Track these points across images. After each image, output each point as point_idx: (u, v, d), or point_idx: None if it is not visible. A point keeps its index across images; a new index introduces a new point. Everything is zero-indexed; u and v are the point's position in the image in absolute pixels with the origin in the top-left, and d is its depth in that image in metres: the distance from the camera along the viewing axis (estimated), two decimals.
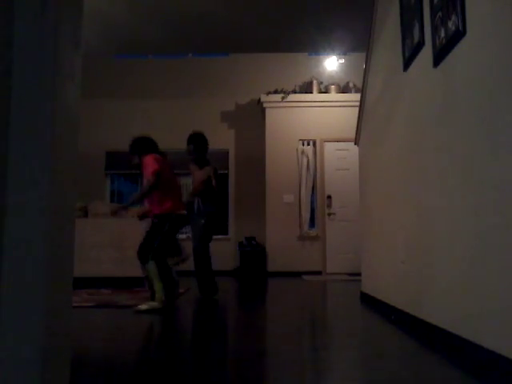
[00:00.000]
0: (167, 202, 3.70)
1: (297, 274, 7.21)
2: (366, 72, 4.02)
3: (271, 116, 7.82)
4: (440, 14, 2.15)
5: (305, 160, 7.67)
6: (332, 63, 8.35)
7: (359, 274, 4.30)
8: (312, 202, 7.69)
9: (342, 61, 8.31)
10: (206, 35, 7.58)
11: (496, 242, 1.66)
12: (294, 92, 7.90)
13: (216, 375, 1.76)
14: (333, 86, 7.89)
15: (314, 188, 7.68)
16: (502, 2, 1.64)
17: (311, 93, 7.86)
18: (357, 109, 4.38)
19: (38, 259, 1.06)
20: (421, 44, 2.45)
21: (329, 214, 7.54)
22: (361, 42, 6.17)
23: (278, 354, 2.14)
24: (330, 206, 7.56)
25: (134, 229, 5.21)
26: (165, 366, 1.87)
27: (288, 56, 8.31)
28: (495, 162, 1.67)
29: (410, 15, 2.66)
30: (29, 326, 1.05)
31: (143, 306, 3.36)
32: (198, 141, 4.79)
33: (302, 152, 7.70)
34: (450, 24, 2.02)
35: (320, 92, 7.90)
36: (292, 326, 2.92)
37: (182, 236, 8.11)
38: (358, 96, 4.94)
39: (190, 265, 7.90)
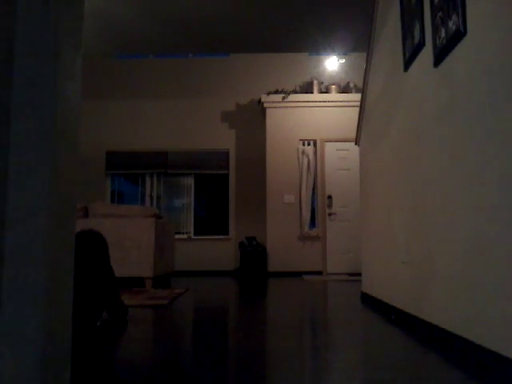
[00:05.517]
0: None
1: (297, 274, 7.22)
2: (366, 72, 4.02)
3: (272, 116, 7.82)
4: (440, 14, 2.15)
5: (305, 160, 7.67)
6: (332, 63, 8.36)
7: (360, 274, 4.30)
8: (312, 202, 7.70)
9: (343, 61, 8.32)
10: (206, 35, 7.59)
11: (497, 241, 1.66)
12: (295, 92, 7.91)
13: (215, 374, 1.76)
14: (333, 86, 7.89)
15: (314, 188, 7.69)
16: (502, 1, 1.64)
17: (312, 93, 7.87)
18: (357, 109, 4.38)
19: (38, 259, 1.06)
20: (421, 44, 2.45)
21: (329, 214, 7.54)
22: (361, 42, 6.18)
23: (278, 354, 2.14)
24: (330, 206, 7.56)
25: (134, 229, 5.21)
26: (166, 364, 1.87)
27: (288, 56, 8.31)
28: (496, 161, 1.67)
29: (410, 15, 2.66)
30: (29, 326, 1.05)
31: None
32: None
33: (303, 152, 7.70)
34: (451, 24, 2.02)
35: (320, 92, 7.91)
36: (292, 326, 2.92)
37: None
38: (358, 96, 4.95)
39: (190, 264, 7.90)
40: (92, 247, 2.80)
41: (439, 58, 2.20)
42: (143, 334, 2.72)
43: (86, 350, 2.20)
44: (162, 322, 3.14)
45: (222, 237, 8.29)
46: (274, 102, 7.82)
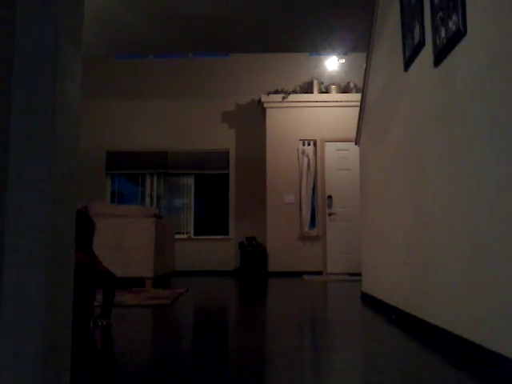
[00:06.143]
0: None
1: (297, 274, 7.22)
2: (366, 72, 4.01)
3: (272, 116, 7.83)
4: (440, 13, 2.15)
5: (305, 160, 7.67)
6: (332, 63, 8.36)
7: (360, 274, 4.30)
8: (312, 202, 7.70)
9: (343, 61, 8.32)
10: (206, 35, 7.59)
11: (497, 241, 1.66)
12: (295, 92, 7.91)
13: (215, 374, 1.76)
14: (333, 86, 7.89)
15: (314, 188, 7.69)
16: (502, 1, 1.64)
17: (312, 93, 7.87)
18: (357, 109, 4.38)
19: (38, 259, 1.06)
20: (421, 44, 2.45)
21: (329, 214, 7.54)
22: (361, 42, 6.18)
23: (278, 354, 2.14)
24: (330, 206, 7.56)
25: (134, 229, 5.21)
26: (168, 363, 1.87)
27: (288, 56, 8.31)
28: (495, 161, 1.67)
29: (410, 15, 2.66)
30: (29, 326, 1.05)
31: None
32: None
33: (303, 152, 7.70)
34: (451, 24, 2.02)
35: (320, 92, 7.91)
36: (292, 326, 2.92)
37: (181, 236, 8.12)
38: (358, 96, 4.94)
39: (190, 264, 7.91)
40: (81, 225, 2.92)
41: (439, 57, 2.20)
42: (147, 334, 2.72)
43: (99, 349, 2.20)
44: (168, 322, 3.14)
45: (222, 237, 8.29)
46: (273, 101, 7.82)
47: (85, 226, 2.96)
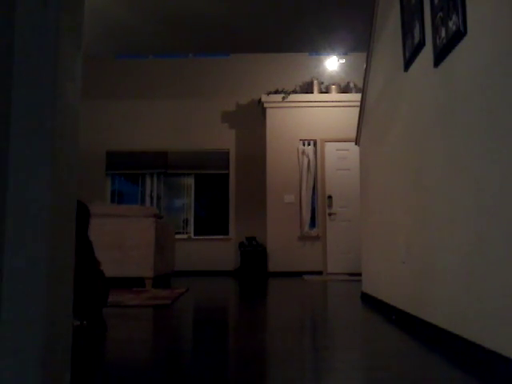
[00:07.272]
0: None
1: (297, 274, 7.22)
2: (366, 72, 4.02)
3: (272, 116, 7.83)
4: (441, 13, 2.15)
5: (305, 160, 7.68)
6: (332, 63, 8.36)
7: (360, 274, 4.30)
8: (313, 202, 7.70)
9: (343, 61, 8.33)
10: (206, 35, 7.59)
11: (496, 241, 1.66)
12: (295, 92, 7.92)
13: (214, 374, 1.76)
14: (333, 86, 7.90)
15: (314, 188, 7.69)
16: (502, 2, 1.64)
17: (312, 93, 7.87)
18: (357, 109, 4.38)
19: (38, 259, 1.06)
20: (421, 44, 2.45)
21: (329, 214, 7.54)
22: (361, 42, 6.18)
23: (278, 354, 2.14)
24: (330, 206, 7.56)
25: (134, 229, 5.21)
26: (168, 363, 1.87)
27: (288, 56, 8.32)
28: (495, 162, 1.67)
29: (410, 15, 2.66)
30: (29, 326, 1.05)
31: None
32: None
33: (303, 152, 7.71)
34: (451, 24, 2.02)
35: (320, 92, 7.91)
36: (293, 326, 2.93)
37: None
38: (358, 96, 4.95)
39: (190, 264, 7.90)
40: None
41: (439, 57, 2.20)
42: (147, 335, 2.72)
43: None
44: (168, 322, 3.14)
45: (221, 237, 8.29)
46: (274, 101, 7.82)
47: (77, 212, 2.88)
